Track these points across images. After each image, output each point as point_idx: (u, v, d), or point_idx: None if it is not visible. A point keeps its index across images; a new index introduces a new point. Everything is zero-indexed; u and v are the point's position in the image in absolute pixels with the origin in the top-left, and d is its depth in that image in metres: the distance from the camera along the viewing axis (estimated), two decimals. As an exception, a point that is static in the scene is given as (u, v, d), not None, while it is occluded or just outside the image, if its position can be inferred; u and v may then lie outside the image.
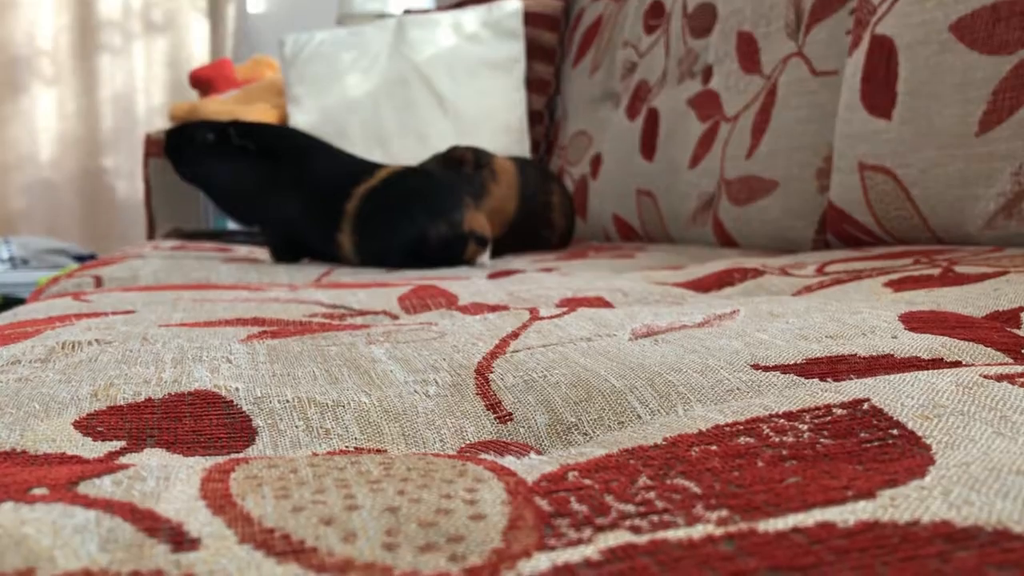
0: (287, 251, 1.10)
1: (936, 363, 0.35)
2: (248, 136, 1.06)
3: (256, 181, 1.06)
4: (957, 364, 0.35)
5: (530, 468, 0.25)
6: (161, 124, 2.63)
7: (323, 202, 1.05)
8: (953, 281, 0.54)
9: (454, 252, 1.04)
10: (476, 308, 0.58)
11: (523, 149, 1.81)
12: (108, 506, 0.22)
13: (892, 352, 0.36)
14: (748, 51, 1.15)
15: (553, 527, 0.21)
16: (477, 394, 0.36)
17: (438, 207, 1.05)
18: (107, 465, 0.26)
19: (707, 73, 1.25)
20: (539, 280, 0.79)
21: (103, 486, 0.23)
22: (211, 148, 1.06)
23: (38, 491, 0.23)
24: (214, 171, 1.07)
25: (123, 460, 0.29)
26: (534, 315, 0.49)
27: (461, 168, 1.19)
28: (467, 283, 0.75)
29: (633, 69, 1.52)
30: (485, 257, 1.07)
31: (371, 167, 1.10)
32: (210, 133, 1.07)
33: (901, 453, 0.25)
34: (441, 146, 1.25)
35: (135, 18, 2.97)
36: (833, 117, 0.92)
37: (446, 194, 1.07)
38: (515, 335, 0.44)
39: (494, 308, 0.57)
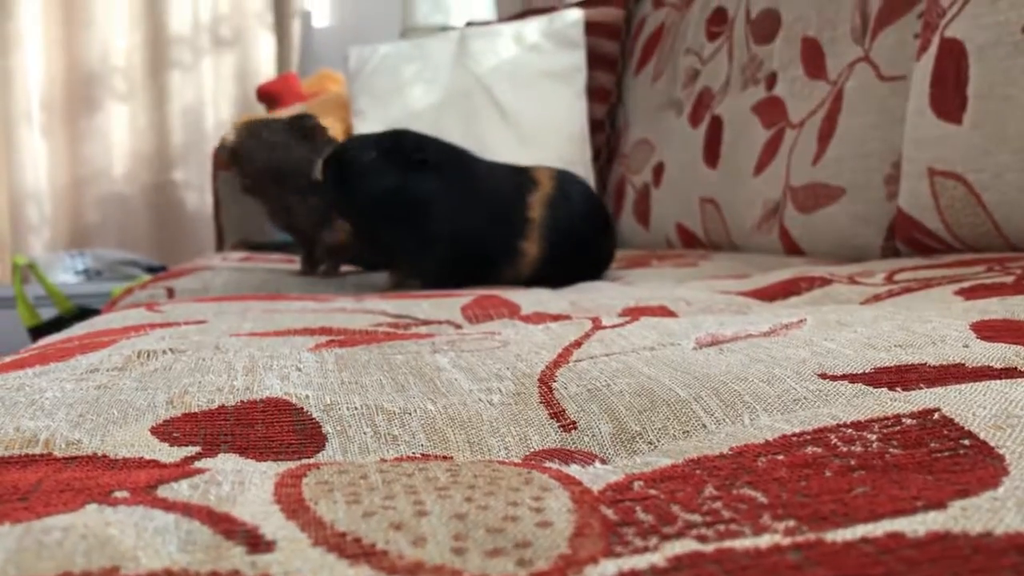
0: (451, 271, 0.96)
1: (1009, 372, 0.34)
2: (417, 149, 0.96)
3: (430, 194, 0.94)
4: (1032, 374, 0.34)
5: (595, 478, 0.26)
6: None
7: (503, 209, 0.96)
8: (1027, 289, 0.53)
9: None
10: (538, 318, 0.58)
11: (584, 158, 1.81)
12: (187, 509, 0.22)
13: (963, 361, 0.35)
14: (813, 57, 1.14)
15: (619, 535, 0.21)
16: (541, 403, 0.36)
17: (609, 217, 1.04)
18: (183, 469, 0.26)
19: (771, 79, 1.24)
20: (601, 289, 0.79)
21: (181, 490, 0.24)
22: (376, 167, 0.94)
23: (119, 494, 0.24)
24: (381, 190, 0.93)
25: (198, 465, 0.30)
26: (596, 324, 0.50)
27: None
28: (528, 293, 0.76)
29: (696, 76, 1.51)
30: None
31: (522, 170, 1.01)
32: (372, 152, 0.94)
33: (973, 463, 0.24)
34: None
35: (204, 34, 3.03)
36: (901, 122, 0.91)
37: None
38: (578, 344, 0.44)
39: (556, 318, 0.57)
